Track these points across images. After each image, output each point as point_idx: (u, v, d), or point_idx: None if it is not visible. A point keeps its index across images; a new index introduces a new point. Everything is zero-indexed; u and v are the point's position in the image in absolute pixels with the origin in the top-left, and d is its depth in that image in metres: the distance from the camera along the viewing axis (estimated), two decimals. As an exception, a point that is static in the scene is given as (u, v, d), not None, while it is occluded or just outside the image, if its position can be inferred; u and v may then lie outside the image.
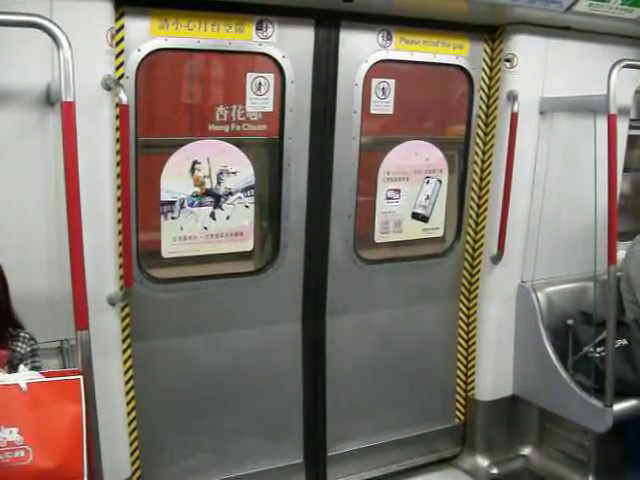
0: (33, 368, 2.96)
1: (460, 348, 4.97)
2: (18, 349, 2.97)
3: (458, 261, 4.84)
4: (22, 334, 3.01)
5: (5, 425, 2.58)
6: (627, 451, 4.86)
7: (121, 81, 3.43)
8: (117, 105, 3.26)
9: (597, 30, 4.50)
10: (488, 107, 4.60)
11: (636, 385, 4.38)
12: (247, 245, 4.13)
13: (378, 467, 4.80)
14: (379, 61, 4.20)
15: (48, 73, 3.12)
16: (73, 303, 2.85)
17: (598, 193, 4.22)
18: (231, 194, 3.98)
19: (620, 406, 4.25)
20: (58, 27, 2.72)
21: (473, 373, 4.95)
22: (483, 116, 4.61)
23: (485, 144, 4.64)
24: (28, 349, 3.00)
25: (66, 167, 2.76)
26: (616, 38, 4.62)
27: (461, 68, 4.48)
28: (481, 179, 4.70)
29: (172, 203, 3.84)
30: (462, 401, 5.04)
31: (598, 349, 4.34)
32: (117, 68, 3.44)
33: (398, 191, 4.52)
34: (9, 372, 2.82)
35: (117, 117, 3.32)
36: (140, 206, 3.71)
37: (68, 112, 2.73)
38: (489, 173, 4.64)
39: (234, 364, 4.19)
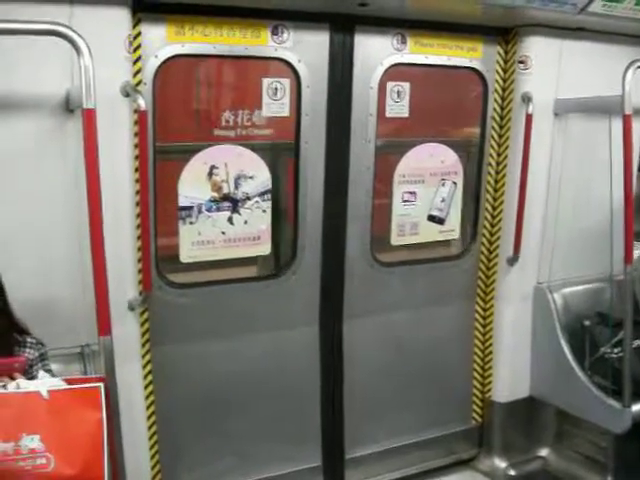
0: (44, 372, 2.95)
1: (477, 350, 4.97)
2: (26, 354, 2.92)
3: (474, 263, 4.83)
4: (29, 339, 2.96)
5: (27, 432, 2.55)
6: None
7: (139, 87, 3.45)
8: (135, 111, 3.27)
9: (611, 31, 4.49)
10: (502, 109, 4.60)
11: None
12: (265, 249, 4.14)
13: (396, 469, 4.79)
14: (394, 64, 4.21)
15: (67, 80, 3.13)
16: (96, 309, 2.86)
17: (614, 193, 4.23)
18: (248, 198, 3.99)
19: (639, 406, 4.23)
20: (78, 35, 2.73)
21: (490, 375, 4.95)
22: (498, 118, 4.61)
23: (500, 146, 4.64)
24: (36, 354, 2.96)
25: (87, 174, 2.75)
26: (630, 39, 4.60)
27: (475, 70, 4.48)
28: (496, 181, 4.70)
29: (190, 208, 3.86)
30: (479, 403, 5.03)
31: (615, 350, 4.34)
32: (134, 75, 3.46)
33: (414, 194, 4.52)
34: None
35: (135, 123, 3.33)
36: (158, 211, 3.71)
37: (89, 119, 2.74)
38: (504, 175, 4.64)
39: (253, 368, 4.20)
